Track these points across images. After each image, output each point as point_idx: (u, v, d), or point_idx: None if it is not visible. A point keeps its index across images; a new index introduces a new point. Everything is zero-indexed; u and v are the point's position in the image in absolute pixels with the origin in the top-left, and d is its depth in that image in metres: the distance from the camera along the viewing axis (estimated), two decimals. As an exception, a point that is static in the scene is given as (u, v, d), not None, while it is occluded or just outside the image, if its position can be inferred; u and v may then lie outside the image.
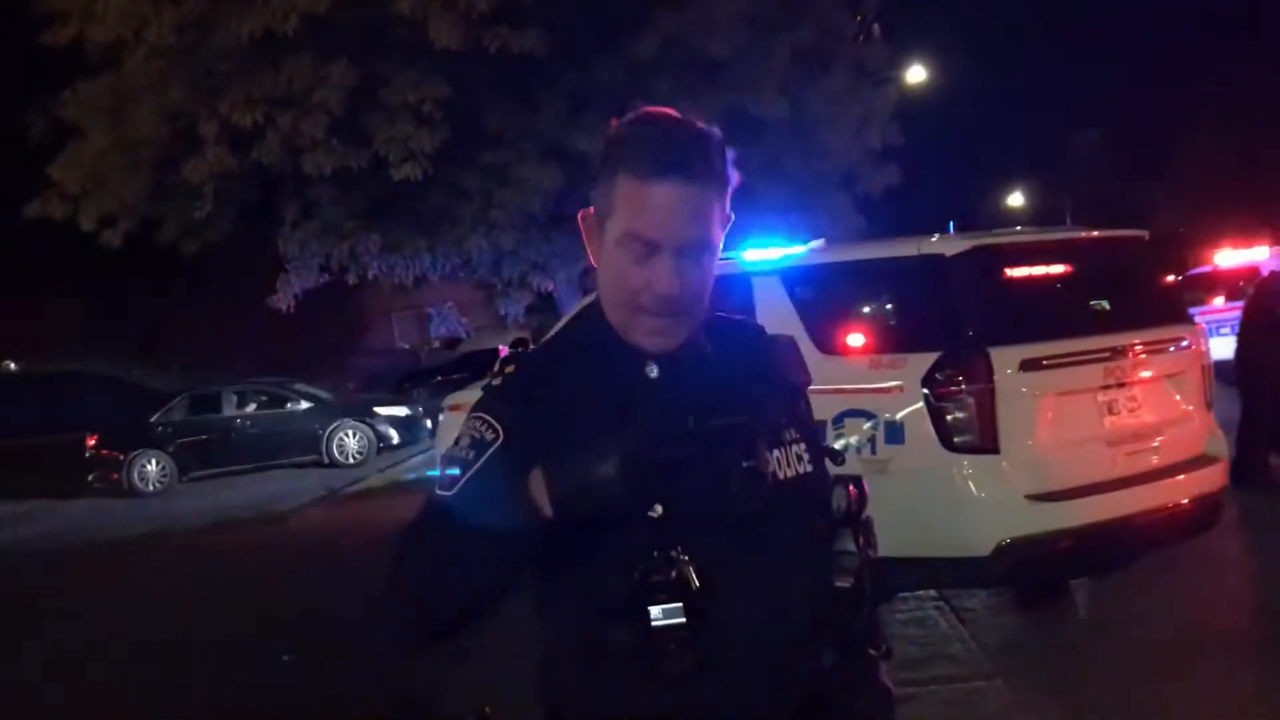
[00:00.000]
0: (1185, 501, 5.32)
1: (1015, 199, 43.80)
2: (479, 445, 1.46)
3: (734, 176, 1.51)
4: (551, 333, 1.68)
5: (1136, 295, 5.76)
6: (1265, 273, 15.17)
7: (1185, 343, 5.60)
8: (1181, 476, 5.33)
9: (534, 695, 1.55)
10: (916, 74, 22.25)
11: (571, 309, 11.64)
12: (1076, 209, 35.10)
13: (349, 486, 14.78)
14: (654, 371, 1.52)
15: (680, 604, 1.38)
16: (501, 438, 1.45)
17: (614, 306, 1.53)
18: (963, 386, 4.99)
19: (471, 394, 8.82)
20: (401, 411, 18.55)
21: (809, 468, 1.58)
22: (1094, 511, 5.00)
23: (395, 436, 17.96)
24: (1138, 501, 5.13)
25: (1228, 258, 16.44)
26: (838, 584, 1.54)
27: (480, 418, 1.48)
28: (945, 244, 5.49)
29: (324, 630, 6.88)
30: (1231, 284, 15.64)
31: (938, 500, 4.99)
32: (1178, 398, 5.52)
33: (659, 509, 1.42)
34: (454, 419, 8.68)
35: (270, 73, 11.89)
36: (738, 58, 12.78)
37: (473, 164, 13.19)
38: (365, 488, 14.59)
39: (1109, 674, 4.90)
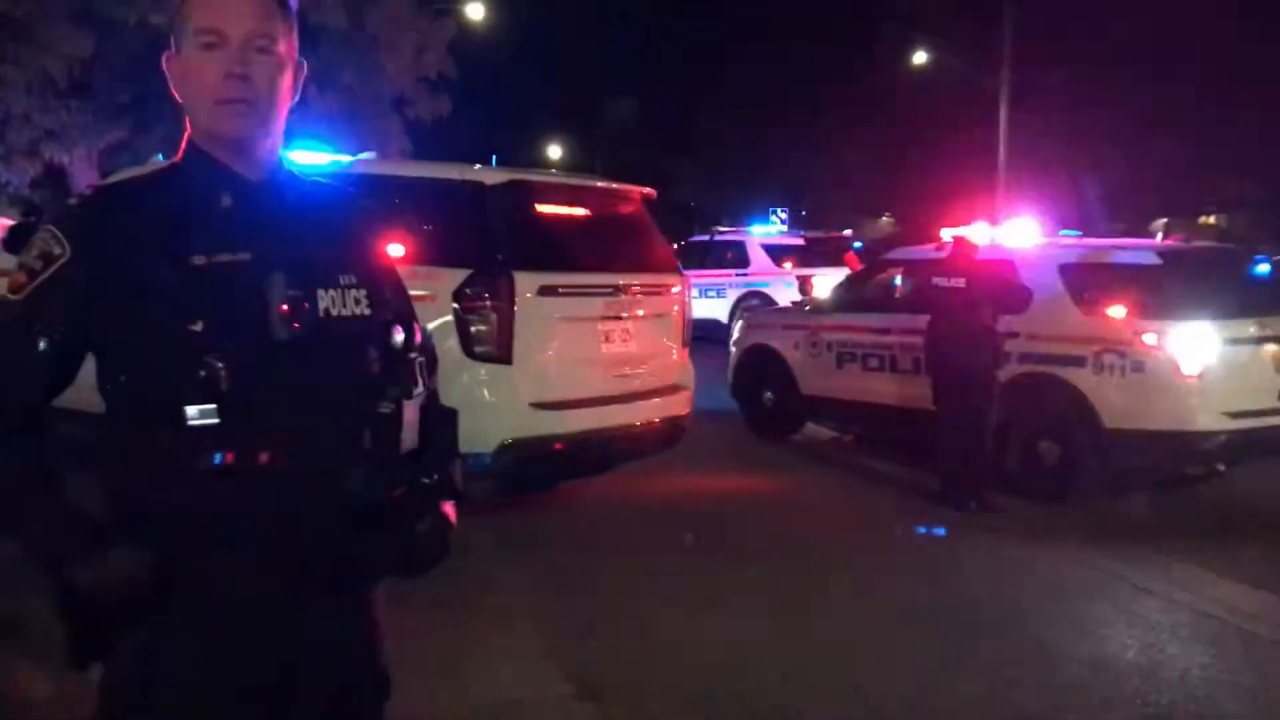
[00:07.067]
0: (658, 421, 6.35)
1: (554, 151, 45.93)
2: (47, 258, 1.60)
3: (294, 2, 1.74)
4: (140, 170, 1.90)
5: (639, 243, 6.68)
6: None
7: (675, 289, 6.62)
8: (657, 400, 6.36)
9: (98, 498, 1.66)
10: (476, 10, 22.71)
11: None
12: (607, 168, 37.54)
13: None
14: (226, 201, 1.67)
15: (214, 406, 1.55)
16: (69, 254, 1.59)
17: (197, 110, 1.67)
18: (487, 303, 5.59)
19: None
20: None
21: (366, 311, 1.75)
22: (585, 421, 5.88)
23: None
24: (622, 416, 6.10)
25: (721, 233, 18.86)
26: (379, 409, 1.74)
27: (51, 233, 1.61)
28: (486, 174, 6.08)
29: None
30: (720, 253, 18.36)
31: (453, 402, 5.46)
32: (662, 335, 6.53)
33: (200, 324, 1.57)
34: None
35: None
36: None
37: (-14, 12, 11.84)
38: None
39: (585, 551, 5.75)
